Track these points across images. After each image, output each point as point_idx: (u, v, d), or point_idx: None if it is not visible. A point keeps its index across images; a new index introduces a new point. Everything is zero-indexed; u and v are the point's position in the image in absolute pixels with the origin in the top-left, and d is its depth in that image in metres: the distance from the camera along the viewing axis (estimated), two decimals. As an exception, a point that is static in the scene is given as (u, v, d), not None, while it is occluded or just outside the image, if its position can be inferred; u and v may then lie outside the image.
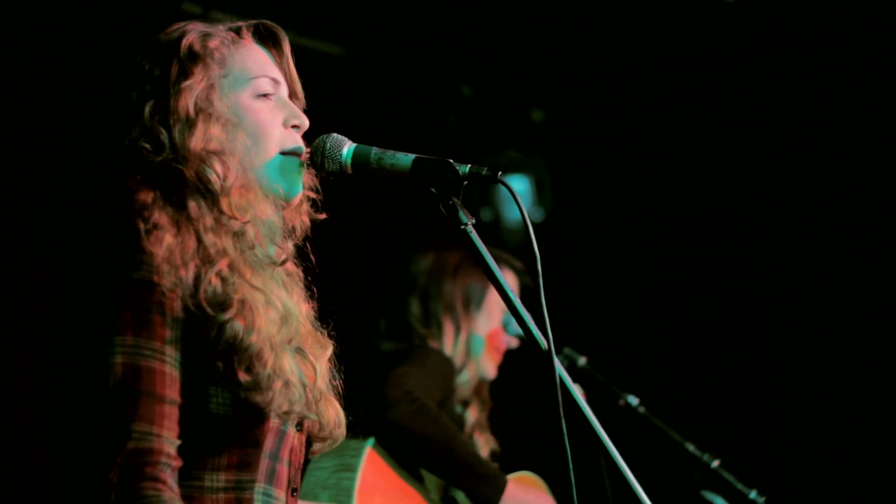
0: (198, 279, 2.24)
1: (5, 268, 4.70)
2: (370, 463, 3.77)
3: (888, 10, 5.63)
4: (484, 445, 4.35)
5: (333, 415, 2.52)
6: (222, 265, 2.28)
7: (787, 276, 6.56)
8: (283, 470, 2.40)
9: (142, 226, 2.22)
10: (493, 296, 4.28)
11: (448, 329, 4.23)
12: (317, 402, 2.46)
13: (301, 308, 2.50)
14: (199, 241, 2.28)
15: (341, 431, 2.55)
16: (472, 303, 4.27)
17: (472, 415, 4.34)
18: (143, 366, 2.17)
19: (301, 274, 2.57)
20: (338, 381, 2.58)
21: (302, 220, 2.59)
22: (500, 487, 3.87)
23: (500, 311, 4.30)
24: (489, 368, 4.34)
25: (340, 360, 2.59)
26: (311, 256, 2.60)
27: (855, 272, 6.31)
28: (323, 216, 2.61)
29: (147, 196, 2.28)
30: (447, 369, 4.12)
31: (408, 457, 3.87)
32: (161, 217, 2.26)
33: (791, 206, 6.55)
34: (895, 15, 5.64)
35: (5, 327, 4.75)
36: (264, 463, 2.32)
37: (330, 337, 2.58)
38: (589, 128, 7.11)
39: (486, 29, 6.17)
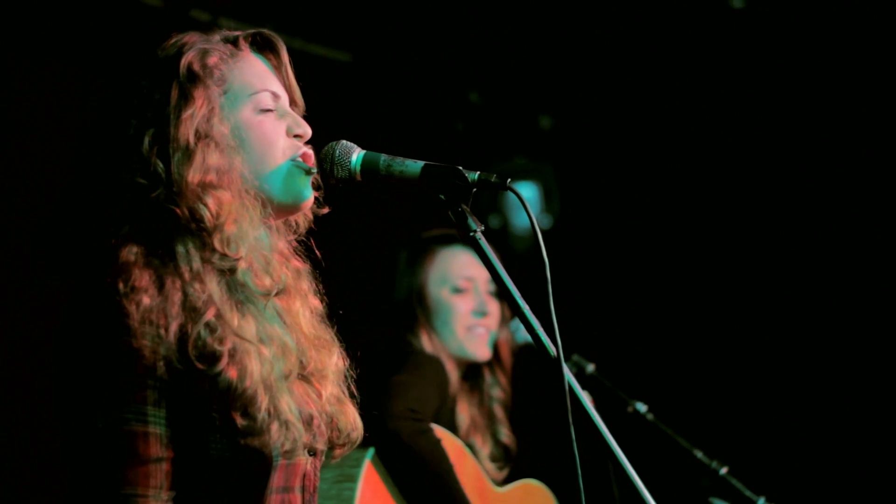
0: (184, 336, 2.24)
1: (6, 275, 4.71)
2: (370, 474, 3.77)
3: (891, 15, 5.63)
4: (482, 446, 4.33)
5: (351, 419, 2.52)
6: (209, 316, 2.27)
7: (796, 285, 6.55)
8: (296, 498, 2.41)
9: (121, 288, 2.22)
10: (434, 288, 4.29)
11: (413, 337, 4.25)
12: (330, 420, 2.46)
13: (306, 311, 2.51)
14: (185, 294, 2.28)
15: (358, 434, 2.55)
16: (415, 304, 4.28)
17: (463, 414, 4.32)
18: (124, 430, 2.20)
19: (308, 268, 2.57)
20: (351, 377, 2.57)
21: (305, 214, 2.58)
22: None
23: (450, 293, 4.29)
24: (474, 351, 4.32)
25: (349, 356, 2.59)
26: (317, 251, 2.60)
27: (863, 282, 6.30)
28: (325, 210, 2.60)
29: (129, 254, 2.28)
30: (441, 373, 4.12)
31: (401, 472, 3.87)
32: (142, 278, 2.25)
33: (800, 215, 6.55)
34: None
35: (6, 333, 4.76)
36: (272, 499, 2.33)
37: (336, 335, 2.58)
38: (597, 134, 7.11)
39: (494, 36, 6.17)
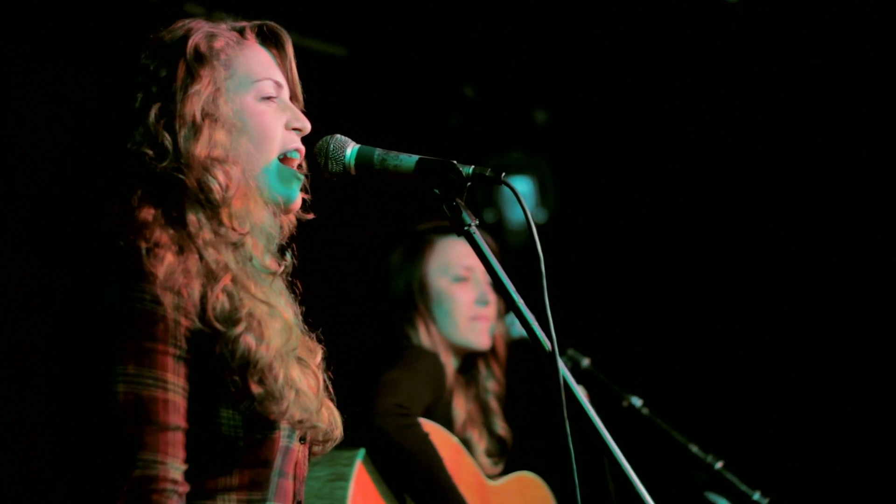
0: (204, 297, 2.25)
1: (5, 269, 4.70)
2: (362, 473, 3.77)
3: (889, 11, 5.63)
4: (479, 441, 4.33)
5: (328, 416, 2.52)
6: (226, 280, 2.29)
7: (789, 277, 6.56)
8: (289, 485, 2.41)
9: (143, 245, 2.23)
10: (434, 278, 4.29)
11: (410, 331, 4.25)
12: (319, 409, 2.47)
13: (289, 311, 2.50)
14: (202, 258, 2.29)
15: (339, 432, 2.55)
16: (415, 296, 4.28)
17: (459, 408, 4.32)
18: (144, 395, 2.19)
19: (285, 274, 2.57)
20: (328, 383, 2.57)
21: (289, 218, 2.59)
22: None
23: (451, 282, 4.29)
24: (476, 340, 4.32)
25: (330, 360, 2.60)
26: (295, 258, 2.59)
27: (856, 271, 6.31)
28: (310, 216, 2.61)
29: (148, 214, 2.29)
30: (437, 368, 4.12)
31: (390, 469, 3.87)
32: (162, 236, 2.26)
33: (793, 206, 6.55)
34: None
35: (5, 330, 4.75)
36: (274, 481, 2.34)
37: (318, 339, 2.58)
38: (592, 129, 7.11)
39: (489, 30, 6.17)
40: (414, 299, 4.27)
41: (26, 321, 4.36)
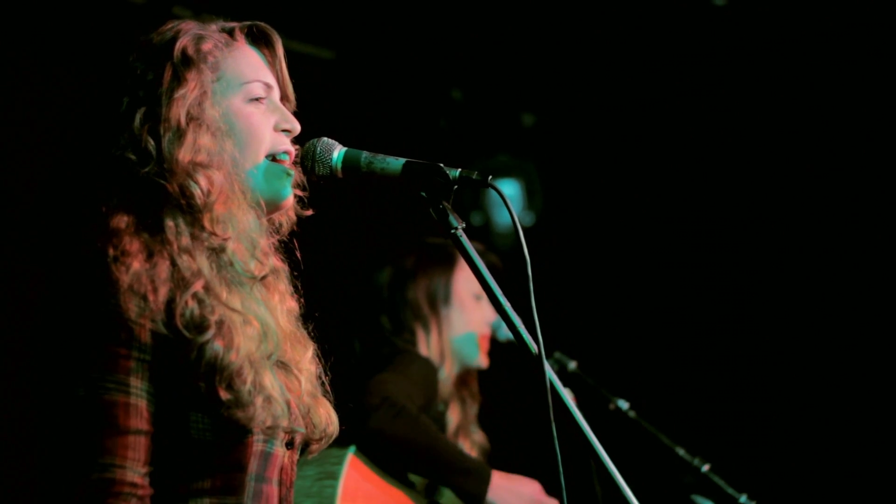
0: (171, 303, 2.25)
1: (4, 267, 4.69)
2: (352, 469, 3.77)
3: (880, 12, 5.65)
4: (470, 449, 4.34)
5: (325, 414, 2.52)
6: (197, 287, 2.28)
7: (776, 281, 6.57)
8: (272, 490, 2.40)
9: (111, 253, 2.24)
10: (460, 286, 4.29)
11: (420, 333, 4.24)
12: (306, 413, 2.46)
13: (283, 308, 2.51)
14: (174, 264, 2.29)
15: (334, 429, 2.55)
16: (437, 300, 4.28)
17: (453, 416, 4.33)
18: (105, 399, 2.20)
19: (287, 269, 2.56)
20: (325, 378, 2.58)
21: (288, 215, 2.59)
22: (486, 479, 3.88)
23: (473, 297, 4.30)
24: (480, 357, 4.33)
25: (324, 358, 2.59)
26: (298, 253, 2.60)
27: (844, 278, 6.32)
28: (309, 212, 2.62)
29: (120, 221, 2.30)
30: (429, 373, 4.12)
31: (391, 462, 3.87)
32: (132, 243, 2.27)
33: (780, 211, 6.57)
34: (887, 15, 5.66)
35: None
36: (250, 486, 2.32)
37: (311, 335, 2.58)
38: (579, 132, 7.12)
39: (477, 33, 6.17)
40: (435, 302, 4.26)
41: (21, 322, 4.37)
